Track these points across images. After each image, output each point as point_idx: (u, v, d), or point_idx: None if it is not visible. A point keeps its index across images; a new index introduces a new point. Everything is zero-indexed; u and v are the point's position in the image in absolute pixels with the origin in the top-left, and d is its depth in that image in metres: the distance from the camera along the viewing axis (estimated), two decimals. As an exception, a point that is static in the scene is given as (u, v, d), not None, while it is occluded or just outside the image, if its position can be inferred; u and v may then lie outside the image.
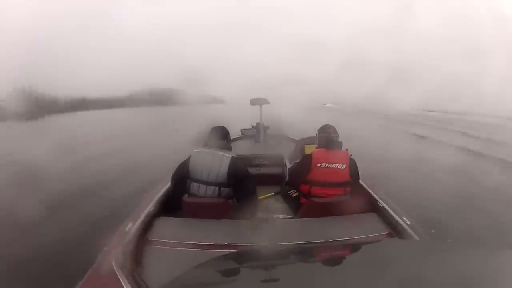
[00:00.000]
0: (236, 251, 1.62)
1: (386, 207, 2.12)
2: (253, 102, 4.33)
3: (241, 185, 2.16)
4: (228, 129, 2.35)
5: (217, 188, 2.11)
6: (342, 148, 2.32)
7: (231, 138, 2.55)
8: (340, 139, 2.36)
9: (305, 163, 2.30)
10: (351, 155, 2.29)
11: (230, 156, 2.14)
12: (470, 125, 13.67)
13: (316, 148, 2.40)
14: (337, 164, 2.22)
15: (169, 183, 2.34)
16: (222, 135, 2.24)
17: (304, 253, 1.40)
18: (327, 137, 2.32)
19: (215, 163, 2.10)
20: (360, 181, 2.41)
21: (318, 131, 2.46)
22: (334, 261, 1.19)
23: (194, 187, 2.13)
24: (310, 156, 2.29)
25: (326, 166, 2.22)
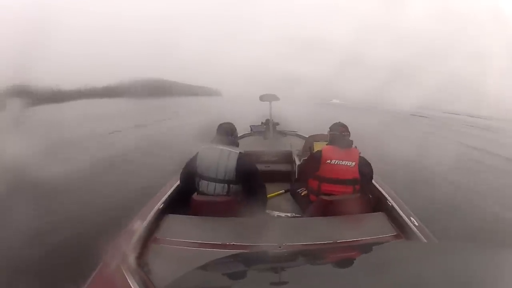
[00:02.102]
0: (244, 251, 1.60)
1: (396, 206, 2.09)
2: (263, 98, 4.30)
3: (250, 182, 2.14)
4: (235, 126, 2.34)
5: (226, 186, 2.09)
6: (353, 147, 2.30)
7: (240, 134, 2.52)
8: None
9: (315, 159, 2.29)
10: (360, 153, 2.27)
11: (237, 152, 2.12)
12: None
13: (326, 145, 2.38)
14: (346, 162, 2.22)
15: (178, 181, 2.33)
16: (229, 131, 2.23)
17: (312, 255, 1.40)
18: (339, 135, 2.31)
19: (222, 159, 2.08)
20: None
21: (330, 128, 2.44)
22: (342, 264, 1.18)
23: (203, 184, 2.11)
24: (320, 152, 2.29)
25: (335, 162, 2.22)
